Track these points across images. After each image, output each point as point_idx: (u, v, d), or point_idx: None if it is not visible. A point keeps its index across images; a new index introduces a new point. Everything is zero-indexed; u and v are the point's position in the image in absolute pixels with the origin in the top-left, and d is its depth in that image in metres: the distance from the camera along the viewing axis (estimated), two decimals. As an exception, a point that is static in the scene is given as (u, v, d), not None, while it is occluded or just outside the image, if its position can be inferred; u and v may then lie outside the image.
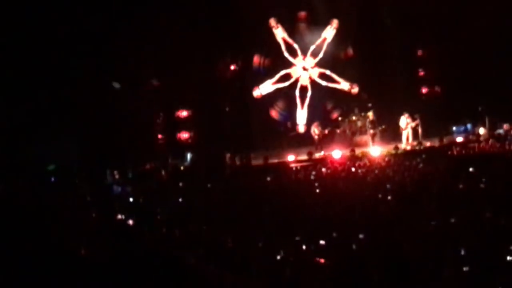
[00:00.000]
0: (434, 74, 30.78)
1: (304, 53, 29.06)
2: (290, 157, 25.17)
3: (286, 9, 28.83)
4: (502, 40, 28.40)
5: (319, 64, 29.17)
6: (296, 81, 29.00)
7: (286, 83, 28.79)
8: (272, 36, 28.69)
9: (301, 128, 28.71)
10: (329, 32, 29.17)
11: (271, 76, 28.59)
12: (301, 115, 28.78)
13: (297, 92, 28.85)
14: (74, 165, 23.80)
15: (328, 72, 29.03)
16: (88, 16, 23.78)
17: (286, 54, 28.80)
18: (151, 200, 16.75)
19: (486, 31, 28.30)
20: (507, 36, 28.30)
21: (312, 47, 29.09)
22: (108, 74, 25.36)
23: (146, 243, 10.70)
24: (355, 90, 29.04)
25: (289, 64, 28.99)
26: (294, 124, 28.84)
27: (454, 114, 29.03)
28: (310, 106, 28.86)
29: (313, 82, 29.05)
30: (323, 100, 29.09)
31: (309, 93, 28.86)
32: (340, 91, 29.12)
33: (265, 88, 28.56)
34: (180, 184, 19.82)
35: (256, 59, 28.31)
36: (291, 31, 28.99)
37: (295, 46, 28.91)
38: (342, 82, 29.06)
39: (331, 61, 29.26)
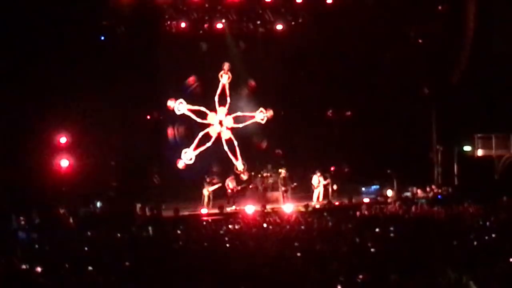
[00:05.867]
0: (345, 136, 31.43)
1: (230, 112, 29.20)
2: (203, 210, 25.15)
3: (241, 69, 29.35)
4: (411, 105, 29.56)
5: (233, 131, 29.27)
6: (207, 125, 28.90)
7: (198, 120, 28.65)
8: (215, 76, 28.86)
9: (181, 164, 28.12)
10: (259, 115, 29.70)
11: (191, 103, 28.40)
12: (189, 154, 28.25)
13: (200, 134, 28.60)
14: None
15: (235, 143, 29.09)
16: None
17: (216, 98, 28.82)
18: (58, 248, 16.30)
19: (399, 96, 29.37)
20: (415, 102, 29.51)
21: (238, 113, 29.38)
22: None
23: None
24: (245, 176, 28.97)
25: (212, 108, 28.97)
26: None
27: (364, 175, 29.71)
28: (201, 155, 28.49)
29: (218, 138, 28.98)
30: (214, 158, 28.93)
31: (208, 144, 28.60)
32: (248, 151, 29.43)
33: (181, 106, 28.12)
34: (89, 233, 19.35)
35: (193, 79, 28.36)
36: (234, 87, 29.20)
37: (228, 99, 29.00)
38: (239, 160, 29.08)
39: (244, 137, 29.49)
